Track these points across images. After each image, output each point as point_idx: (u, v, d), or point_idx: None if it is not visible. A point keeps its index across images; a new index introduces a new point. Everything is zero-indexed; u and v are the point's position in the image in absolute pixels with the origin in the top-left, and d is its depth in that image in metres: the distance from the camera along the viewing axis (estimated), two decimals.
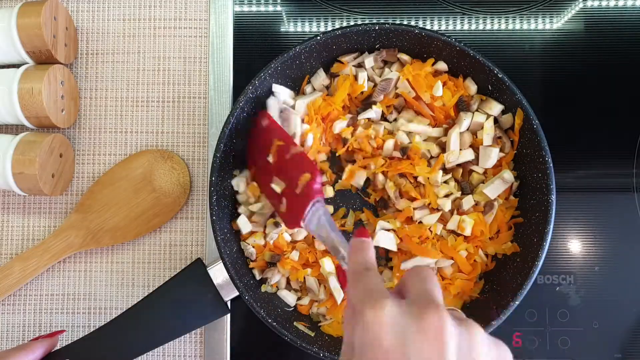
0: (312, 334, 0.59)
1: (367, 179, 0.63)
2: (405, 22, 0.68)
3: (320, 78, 0.63)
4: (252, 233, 0.61)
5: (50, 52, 0.62)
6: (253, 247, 0.61)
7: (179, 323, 0.59)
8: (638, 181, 0.65)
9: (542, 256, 0.55)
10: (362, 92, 0.62)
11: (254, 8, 0.69)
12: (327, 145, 0.63)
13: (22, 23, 0.61)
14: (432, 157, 0.61)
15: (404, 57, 0.62)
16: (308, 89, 0.64)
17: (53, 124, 0.63)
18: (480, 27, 0.68)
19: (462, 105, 0.61)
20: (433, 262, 0.59)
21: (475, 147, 0.61)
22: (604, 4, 0.68)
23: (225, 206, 0.60)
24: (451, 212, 0.60)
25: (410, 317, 0.33)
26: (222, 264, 0.57)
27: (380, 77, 0.63)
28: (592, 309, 0.63)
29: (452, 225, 0.59)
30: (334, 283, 0.59)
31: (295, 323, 0.60)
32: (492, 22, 0.68)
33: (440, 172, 0.60)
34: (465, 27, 0.68)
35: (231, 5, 0.69)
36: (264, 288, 0.61)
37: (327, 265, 0.60)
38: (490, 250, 0.61)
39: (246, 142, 0.61)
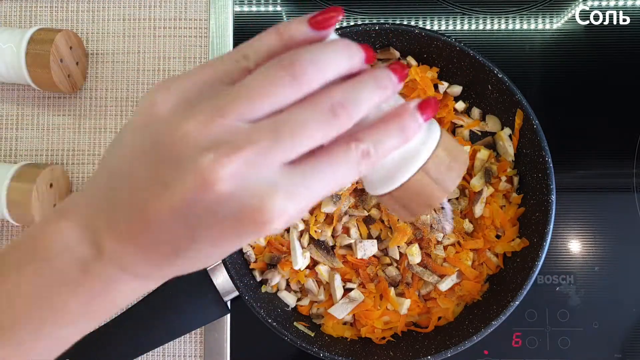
0: (312, 334, 0.59)
1: None
2: (405, 22, 0.68)
3: None
4: None
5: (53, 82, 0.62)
6: (253, 247, 0.61)
7: (179, 323, 0.59)
8: (638, 181, 0.65)
9: (542, 256, 0.55)
10: None
11: (254, 8, 0.69)
12: None
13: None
14: None
15: (412, 61, 0.62)
16: None
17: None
18: (480, 27, 0.68)
19: (487, 176, 0.61)
20: None
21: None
22: (604, 4, 0.68)
23: None
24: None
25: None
26: (222, 264, 0.57)
27: None
28: (592, 309, 0.63)
29: (449, 240, 0.60)
30: (338, 282, 0.59)
31: (295, 323, 0.60)
32: (492, 22, 0.68)
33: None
34: (465, 27, 0.68)
35: (231, 5, 0.69)
36: (264, 289, 0.61)
37: (324, 272, 0.60)
38: (499, 250, 0.60)
39: None
